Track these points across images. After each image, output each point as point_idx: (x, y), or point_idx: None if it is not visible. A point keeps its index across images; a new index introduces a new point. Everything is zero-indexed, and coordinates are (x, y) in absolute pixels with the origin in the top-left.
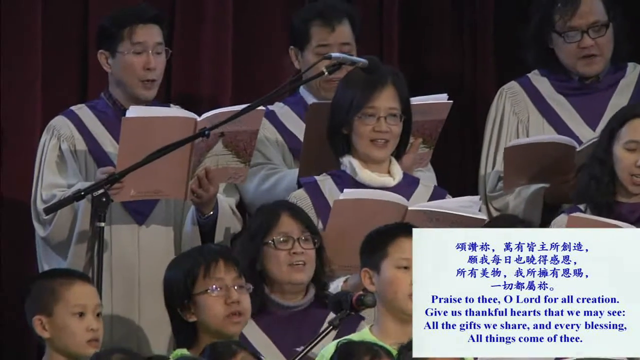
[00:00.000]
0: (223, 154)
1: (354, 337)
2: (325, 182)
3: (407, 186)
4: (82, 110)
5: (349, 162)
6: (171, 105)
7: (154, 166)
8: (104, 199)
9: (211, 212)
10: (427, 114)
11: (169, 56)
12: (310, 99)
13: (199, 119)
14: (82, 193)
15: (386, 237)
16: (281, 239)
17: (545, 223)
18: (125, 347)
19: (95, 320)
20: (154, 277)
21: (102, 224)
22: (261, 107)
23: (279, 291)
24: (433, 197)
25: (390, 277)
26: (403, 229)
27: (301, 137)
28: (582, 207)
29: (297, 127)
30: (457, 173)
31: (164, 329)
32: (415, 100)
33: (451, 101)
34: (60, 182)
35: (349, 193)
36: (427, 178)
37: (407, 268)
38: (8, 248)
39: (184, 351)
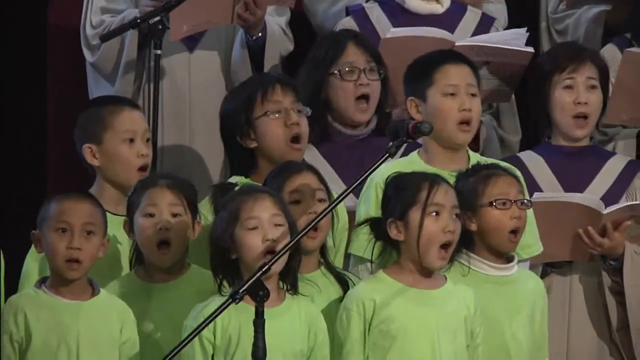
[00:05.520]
0: None
1: (403, 160)
2: (374, 10)
3: (455, 13)
4: None
5: None
6: None
7: None
8: (160, 27)
9: (259, 34)
10: None
11: None
12: None
13: None
14: (139, 20)
15: (431, 65)
16: (347, 69)
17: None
18: (173, 174)
19: (144, 146)
20: (204, 102)
21: (159, 52)
22: None
23: (341, 121)
24: (480, 24)
25: (437, 104)
26: (447, 56)
27: None
28: (628, 35)
29: None
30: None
31: (215, 158)
32: None
33: None
34: (110, 7)
35: (396, 31)
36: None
37: (454, 95)
38: (57, 76)
39: (248, 180)
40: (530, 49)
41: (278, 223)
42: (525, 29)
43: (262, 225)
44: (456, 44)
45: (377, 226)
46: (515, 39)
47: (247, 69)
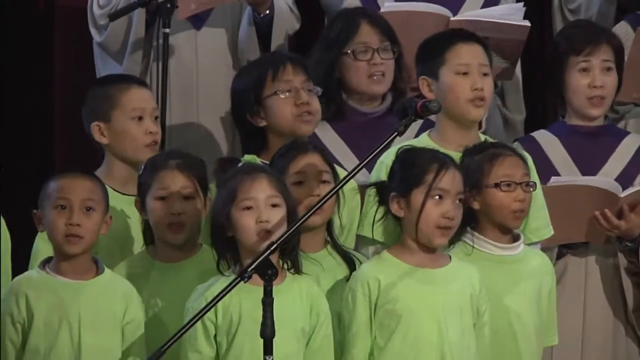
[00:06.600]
0: None
1: (413, 142)
2: None
3: None
4: None
5: None
6: None
7: None
8: (169, 5)
9: (267, 12)
10: None
11: None
12: None
13: None
14: None
15: (443, 44)
16: (361, 49)
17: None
18: (182, 151)
19: (153, 124)
20: (212, 80)
21: (167, 30)
22: None
23: (356, 98)
24: (486, 3)
25: (450, 83)
26: (459, 35)
27: None
28: None
29: None
30: None
31: (223, 135)
32: None
33: None
34: None
35: (390, 6)
36: None
37: (467, 74)
38: (64, 57)
39: (253, 157)
40: (527, 23)
41: (274, 204)
42: (522, 3)
43: (258, 206)
44: (451, 19)
45: (383, 190)
46: (511, 14)
47: (254, 47)
